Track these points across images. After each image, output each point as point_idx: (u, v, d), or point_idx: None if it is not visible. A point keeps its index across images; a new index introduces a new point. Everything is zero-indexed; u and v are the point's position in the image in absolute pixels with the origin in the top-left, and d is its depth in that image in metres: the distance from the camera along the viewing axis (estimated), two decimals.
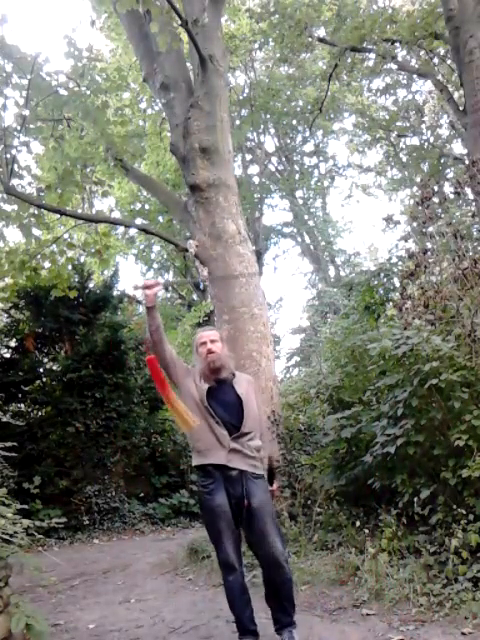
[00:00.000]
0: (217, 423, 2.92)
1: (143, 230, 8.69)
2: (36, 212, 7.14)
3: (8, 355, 10.32)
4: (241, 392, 3.05)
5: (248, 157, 20.73)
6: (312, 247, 22.07)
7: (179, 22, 6.38)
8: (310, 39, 12.44)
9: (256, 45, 15.77)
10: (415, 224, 5.64)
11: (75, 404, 9.60)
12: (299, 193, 21.85)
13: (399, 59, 12.65)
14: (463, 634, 2.91)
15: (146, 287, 2.97)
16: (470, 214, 6.20)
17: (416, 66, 13.34)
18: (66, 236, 8.23)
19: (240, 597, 2.95)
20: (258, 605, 3.09)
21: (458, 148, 16.21)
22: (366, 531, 4.27)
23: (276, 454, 3.40)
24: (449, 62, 11.86)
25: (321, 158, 21.69)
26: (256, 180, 20.41)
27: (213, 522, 2.92)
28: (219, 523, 2.89)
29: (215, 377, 3.04)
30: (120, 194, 15.72)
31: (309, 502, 5.25)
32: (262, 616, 3.20)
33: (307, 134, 20.12)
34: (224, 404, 2.99)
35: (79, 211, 11.87)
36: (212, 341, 3.09)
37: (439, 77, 12.46)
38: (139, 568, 6.12)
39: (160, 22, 6.04)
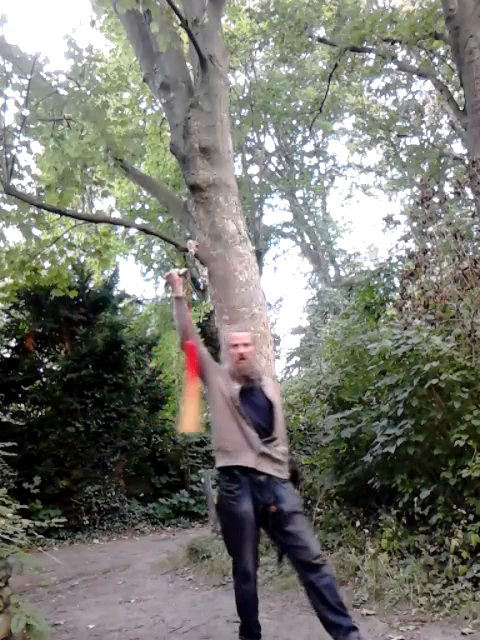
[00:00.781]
0: (248, 425, 2.85)
1: (143, 230, 8.67)
2: (36, 212, 7.13)
3: (8, 355, 10.33)
4: (271, 396, 3.00)
5: (248, 157, 20.73)
6: (312, 247, 22.07)
7: (179, 22, 6.37)
8: (310, 39, 12.41)
9: (256, 45, 15.75)
10: (415, 224, 5.64)
11: (75, 404, 9.61)
12: (299, 193, 21.87)
13: (399, 59, 12.64)
14: (463, 634, 2.91)
15: (183, 275, 3.04)
16: (470, 214, 6.20)
17: (416, 66, 13.32)
18: (66, 236, 8.21)
19: (252, 604, 2.91)
20: (259, 605, 3.08)
21: (458, 148, 16.22)
22: (366, 531, 4.27)
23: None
24: (449, 62, 11.85)
25: (321, 158, 21.70)
26: (256, 180, 20.41)
27: (236, 529, 2.82)
28: (244, 531, 2.80)
29: (246, 379, 2.98)
30: (120, 194, 15.71)
31: (309, 502, 5.26)
32: (262, 616, 3.19)
33: (307, 134, 20.13)
34: (255, 407, 2.93)
35: (79, 211, 11.85)
36: (245, 345, 3.00)
37: (439, 77, 12.45)
38: (139, 568, 6.13)
39: (160, 22, 6.03)
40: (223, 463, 2.89)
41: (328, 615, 2.69)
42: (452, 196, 5.32)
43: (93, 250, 8.35)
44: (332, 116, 18.24)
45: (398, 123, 16.85)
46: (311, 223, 21.91)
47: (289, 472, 3.22)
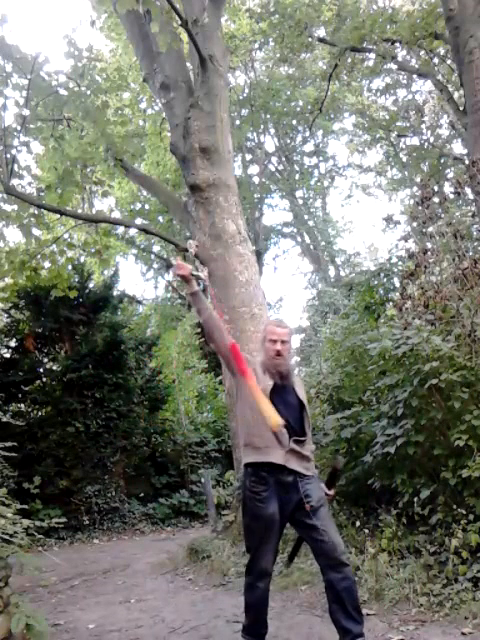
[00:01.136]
0: None
1: (143, 230, 8.69)
2: (36, 212, 7.14)
3: (8, 355, 10.32)
4: (301, 395, 2.97)
5: (248, 157, 20.73)
6: (312, 247, 22.07)
7: (179, 22, 6.38)
8: (310, 39, 12.42)
9: (256, 45, 15.77)
10: (415, 224, 5.64)
11: (75, 404, 9.61)
12: (299, 193, 21.87)
13: (399, 59, 12.64)
14: (463, 634, 2.91)
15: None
16: (470, 214, 6.20)
17: (416, 66, 13.33)
18: (66, 236, 8.23)
19: (264, 603, 2.89)
20: None
21: (458, 148, 16.22)
22: (366, 531, 4.27)
23: None
24: (449, 62, 11.86)
25: (321, 158, 21.70)
26: (256, 180, 20.42)
27: (260, 530, 2.79)
28: (268, 531, 2.78)
29: (280, 375, 2.91)
30: (120, 194, 15.72)
31: None
32: None
33: (307, 134, 20.13)
34: (286, 404, 2.88)
35: (79, 211, 11.87)
36: (283, 342, 2.92)
37: (439, 77, 12.46)
38: (139, 568, 6.13)
39: (160, 22, 6.04)
40: (252, 459, 2.84)
41: (339, 617, 2.69)
42: (452, 196, 5.32)
43: (93, 250, 8.36)
44: (332, 116, 18.27)
45: (398, 123, 16.86)
46: (311, 223, 21.91)
47: (328, 472, 3.19)
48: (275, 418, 2.72)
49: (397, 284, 7.37)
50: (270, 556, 2.84)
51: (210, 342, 3.02)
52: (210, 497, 7.85)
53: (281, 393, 2.89)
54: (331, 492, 3.04)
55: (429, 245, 5.04)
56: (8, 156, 6.47)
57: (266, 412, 2.75)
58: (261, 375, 2.90)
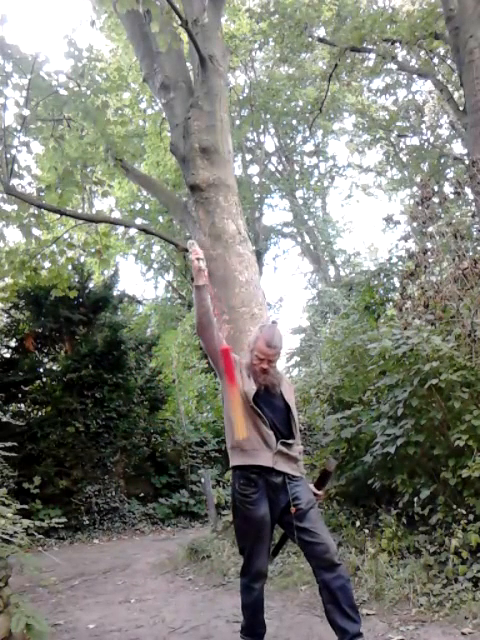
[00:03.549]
0: (264, 423, 2.80)
1: (143, 230, 8.68)
2: (36, 212, 7.14)
3: (8, 355, 10.32)
4: (288, 399, 2.96)
5: (248, 157, 20.74)
6: (312, 247, 22.07)
7: (179, 22, 6.38)
8: (310, 39, 12.43)
9: (256, 45, 15.77)
10: (415, 224, 5.64)
11: (75, 404, 9.60)
12: (299, 193, 21.88)
13: (399, 59, 12.64)
14: (463, 634, 2.91)
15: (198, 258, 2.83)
16: (470, 214, 6.20)
17: (416, 66, 13.34)
18: (66, 236, 8.23)
19: (260, 603, 2.89)
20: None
21: (458, 148, 16.23)
22: (366, 531, 4.27)
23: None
24: (449, 62, 11.86)
25: (321, 158, 21.71)
26: (256, 180, 20.43)
27: (252, 532, 2.80)
28: (260, 533, 2.78)
29: (265, 387, 2.90)
30: (120, 194, 15.73)
31: None
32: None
33: (307, 134, 20.14)
34: (272, 406, 2.88)
35: (79, 211, 11.86)
36: (270, 361, 2.89)
37: (439, 77, 12.47)
38: (139, 568, 6.13)
39: (160, 22, 6.04)
40: (239, 462, 2.83)
41: (336, 617, 2.67)
42: (452, 196, 5.32)
43: (93, 250, 8.35)
44: (332, 116, 18.28)
45: (398, 123, 16.87)
46: (311, 223, 21.92)
47: (319, 472, 3.19)
48: (240, 428, 2.74)
49: (397, 284, 7.38)
50: (264, 557, 2.84)
51: (201, 339, 2.98)
52: (210, 497, 7.85)
53: (266, 396, 2.89)
54: (320, 493, 3.03)
55: (429, 245, 5.04)
56: (8, 156, 6.47)
57: (237, 424, 2.76)
58: (246, 379, 2.89)
